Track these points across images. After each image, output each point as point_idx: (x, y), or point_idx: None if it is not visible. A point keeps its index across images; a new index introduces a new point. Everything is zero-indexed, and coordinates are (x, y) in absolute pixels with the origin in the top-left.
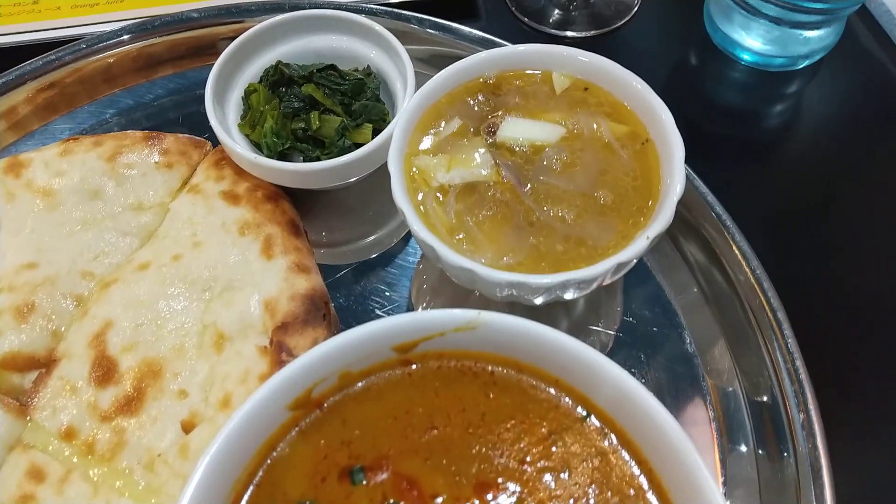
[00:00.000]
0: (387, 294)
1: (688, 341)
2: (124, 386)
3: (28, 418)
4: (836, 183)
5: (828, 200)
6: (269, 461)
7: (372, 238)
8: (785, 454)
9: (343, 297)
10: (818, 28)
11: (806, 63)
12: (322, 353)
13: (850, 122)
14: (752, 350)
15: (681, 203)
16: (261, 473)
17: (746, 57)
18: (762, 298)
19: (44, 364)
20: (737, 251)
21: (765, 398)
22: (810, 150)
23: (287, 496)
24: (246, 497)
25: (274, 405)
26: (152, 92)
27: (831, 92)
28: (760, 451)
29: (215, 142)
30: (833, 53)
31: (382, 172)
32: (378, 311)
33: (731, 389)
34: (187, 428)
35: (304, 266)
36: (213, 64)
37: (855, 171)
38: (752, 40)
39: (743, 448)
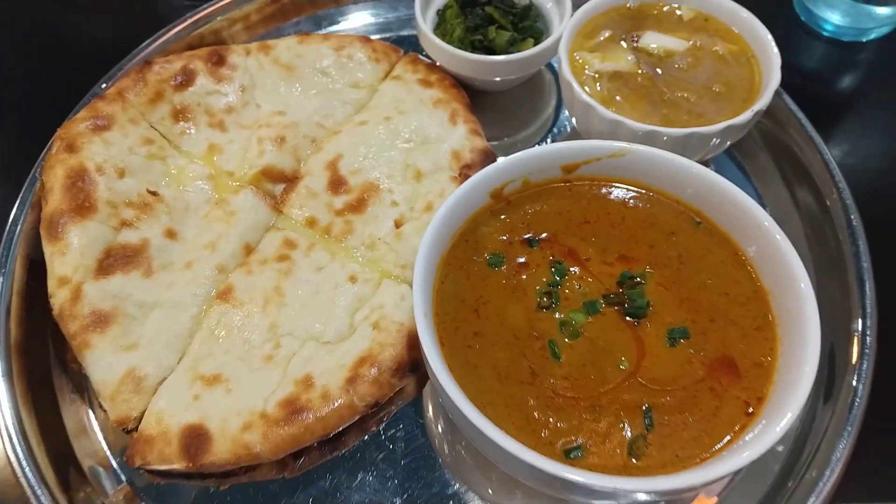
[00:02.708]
0: None
1: None
2: (352, 195)
3: (280, 212)
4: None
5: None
6: (473, 227)
7: (519, 135)
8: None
9: None
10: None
11: (873, 36)
12: (513, 159)
13: None
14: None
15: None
16: (467, 233)
17: (827, 27)
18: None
19: (291, 179)
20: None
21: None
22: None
23: (485, 248)
24: (457, 245)
25: (479, 189)
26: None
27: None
28: None
29: (406, 51)
30: None
31: (528, 88)
32: None
33: None
34: (399, 224)
35: (479, 132)
36: None
37: None
38: (832, 15)
39: None
